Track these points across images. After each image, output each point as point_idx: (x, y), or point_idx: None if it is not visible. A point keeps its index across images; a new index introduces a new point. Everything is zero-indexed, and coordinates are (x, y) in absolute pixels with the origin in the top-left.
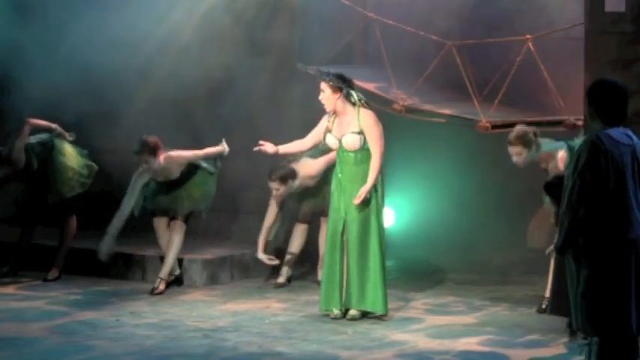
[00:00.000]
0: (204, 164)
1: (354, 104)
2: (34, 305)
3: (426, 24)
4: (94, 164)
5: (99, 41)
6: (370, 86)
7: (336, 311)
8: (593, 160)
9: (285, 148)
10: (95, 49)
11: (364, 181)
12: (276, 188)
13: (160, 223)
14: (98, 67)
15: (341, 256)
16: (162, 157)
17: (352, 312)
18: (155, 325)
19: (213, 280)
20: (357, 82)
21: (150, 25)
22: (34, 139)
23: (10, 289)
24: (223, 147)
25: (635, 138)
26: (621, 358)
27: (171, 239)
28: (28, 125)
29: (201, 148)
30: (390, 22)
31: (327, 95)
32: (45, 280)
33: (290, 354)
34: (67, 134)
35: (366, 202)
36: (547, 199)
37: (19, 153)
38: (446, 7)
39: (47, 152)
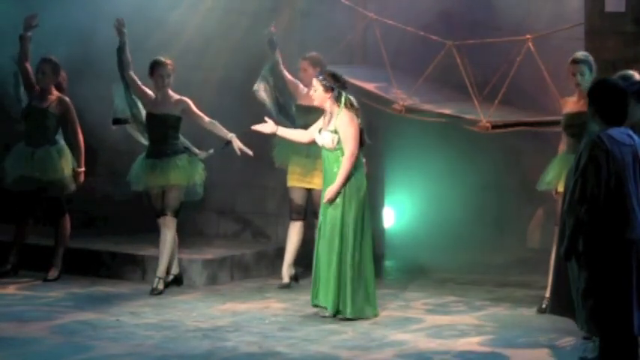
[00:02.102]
0: (196, 151)
1: (339, 105)
2: (34, 305)
3: (426, 24)
4: (74, 185)
5: (97, 44)
6: (370, 86)
7: (323, 309)
8: (595, 161)
9: (283, 132)
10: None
11: (334, 180)
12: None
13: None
14: (98, 68)
15: (316, 253)
16: (176, 93)
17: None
18: (155, 325)
19: (213, 280)
20: (357, 82)
21: (149, 25)
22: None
23: (10, 289)
24: (232, 135)
25: (636, 138)
26: (622, 357)
27: (163, 235)
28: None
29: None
30: (390, 22)
31: (318, 93)
32: (45, 280)
33: (290, 354)
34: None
35: (336, 203)
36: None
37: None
38: (446, 7)
39: (51, 140)
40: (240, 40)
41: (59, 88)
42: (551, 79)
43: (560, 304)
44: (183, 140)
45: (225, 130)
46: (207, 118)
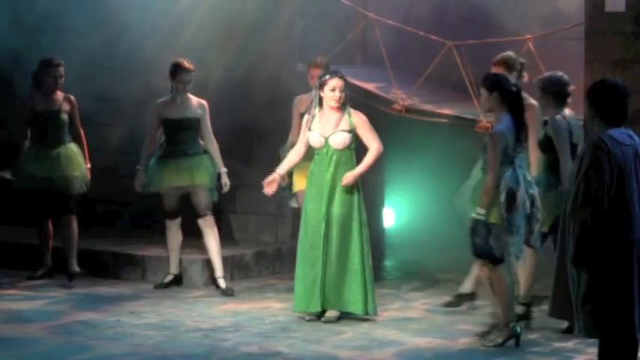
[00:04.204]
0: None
1: (343, 103)
2: (34, 305)
3: (426, 24)
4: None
5: (99, 40)
6: (370, 86)
7: (313, 313)
8: (597, 162)
9: (284, 168)
10: (95, 48)
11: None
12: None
13: (174, 224)
14: (98, 68)
15: (323, 257)
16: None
17: (329, 313)
18: (155, 325)
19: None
20: (357, 82)
21: (149, 25)
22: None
23: (10, 289)
24: (224, 170)
25: (636, 138)
26: (623, 357)
27: (208, 235)
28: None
29: None
30: (390, 22)
31: (344, 94)
32: (70, 280)
33: (290, 354)
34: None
35: (348, 202)
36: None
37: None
38: (446, 7)
39: (62, 140)
40: (241, 39)
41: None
42: None
43: (559, 307)
44: (201, 143)
45: (220, 161)
46: (211, 135)
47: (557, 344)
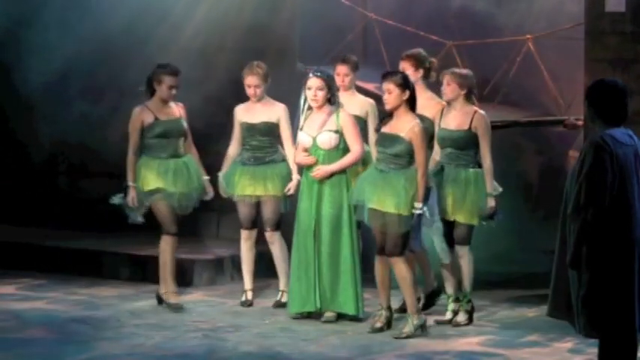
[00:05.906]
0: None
1: (332, 103)
2: (34, 305)
3: (425, 24)
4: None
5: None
6: (370, 86)
7: (310, 313)
8: (599, 162)
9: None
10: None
11: (336, 181)
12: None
13: (249, 236)
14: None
15: (314, 257)
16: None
17: (327, 314)
18: (155, 325)
19: (213, 281)
20: (357, 82)
21: (149, 25)
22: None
23: (10, 289)
24: (297, 176)
25: (636, 138)
26: (623, 357)
27: (274, 252)
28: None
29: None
30: (390, 22)
31: (323, 93)
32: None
33: (290, 354)
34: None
35: (338, 202)
36: None
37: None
38: (445, 7)
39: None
40: (241, 39)
41: None
42: (551, 79)
43: (558, 307)
44: (281, 151)
45: (295, 167)
46: (289, 141)
47: (557, 344)
